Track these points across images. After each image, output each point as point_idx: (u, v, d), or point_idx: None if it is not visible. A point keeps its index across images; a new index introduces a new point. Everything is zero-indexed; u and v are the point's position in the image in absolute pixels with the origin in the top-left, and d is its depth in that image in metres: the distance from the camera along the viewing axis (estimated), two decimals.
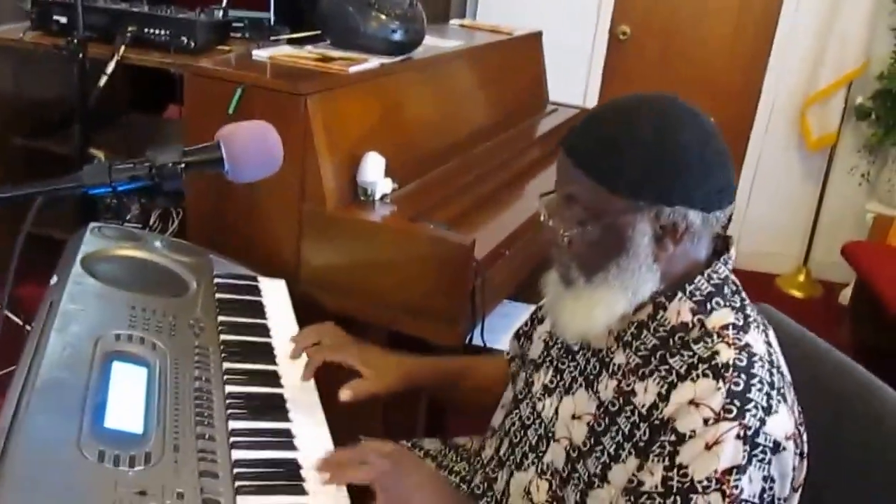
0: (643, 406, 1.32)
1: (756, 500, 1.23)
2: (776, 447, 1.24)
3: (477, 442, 1.83)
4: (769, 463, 1.23)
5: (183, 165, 1.32)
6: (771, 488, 1.24)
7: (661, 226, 1.32)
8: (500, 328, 2.56)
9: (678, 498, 1.23)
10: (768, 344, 1.34)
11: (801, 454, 1.30)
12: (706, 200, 1.31)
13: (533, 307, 1.79)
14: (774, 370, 1.30)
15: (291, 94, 2.21)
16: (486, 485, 1.61)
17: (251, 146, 1.37)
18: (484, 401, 1.79)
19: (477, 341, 2.52)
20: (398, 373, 1.70)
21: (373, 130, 2.46)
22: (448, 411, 2.71)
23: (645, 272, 1.35)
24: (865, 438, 1.50)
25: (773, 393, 1.26)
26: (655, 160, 1.28)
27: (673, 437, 1.26)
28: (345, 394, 1.61)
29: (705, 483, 1.22)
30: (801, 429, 1.31)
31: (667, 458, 1.26)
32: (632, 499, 1.28)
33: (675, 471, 1.24)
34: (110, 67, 3.02)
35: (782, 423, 1.26)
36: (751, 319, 1.36)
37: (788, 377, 1.34)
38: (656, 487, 1.26)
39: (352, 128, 2.38)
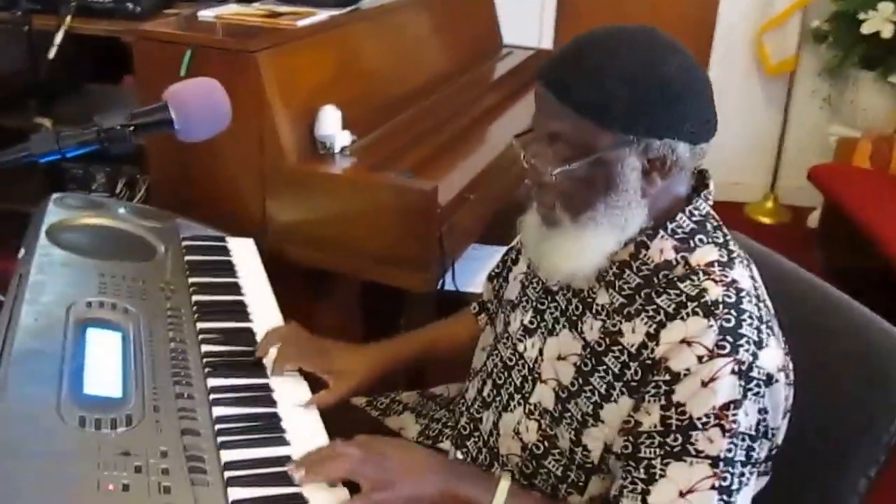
0: (632, 346, 1.32)
1: (752, 433, 1.24)
2: (769, 380, 1.25)
3: (453, 390, 1.85)
4: (763, 396, 1.24)
5: (131, 128, 1.32)
6: (764, 419, 1.26)
7: (649, 160, 1.29)
8: (472, 272, 2.59)
9: (678, 436, 1.24)
10: (752, 278, 1.35)
11: (790, 383, 1.32)
12: (694, 132, 1.29)
13: (502, 248, 1.79)
14: (761, 304, 1.31)
15: (241, 51, 2.20)
16: (472, 425, 1.59)
17: (198, 103, 1.37)
18: (461, 360, 1.77)
19: (449, 287, 2.55)
20: (364, 368, 1.67)
21: (327, 84, 2.45)
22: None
23: (634, 208, 1.32)
24: (841, 355, 1.50)
25: (763, 327, 1.27)
26: (644, 92, 1.25)
27: (667, 377, 1.26)
28: (311, 408, 1.55)
29: (704, 419, 1.22)
30: (788, 358, 1.32)
31: (663, 398, 1.26)
32: (631, 440, 1.29)
33: (673, 409, 1.24)
34: (58, 38, 2.98)
35: (773, 355, 1.27)
36: (735, 255, 1.35)
37: (772, 309, 1.35)
38: (655, 427, 1.26)
39: (305, 82, 2.38)
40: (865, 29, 4.52)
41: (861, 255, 3.89)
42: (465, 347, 1.76)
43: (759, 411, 1.25)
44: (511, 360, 1.52)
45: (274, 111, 2.21)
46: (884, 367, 1.42)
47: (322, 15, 2.55)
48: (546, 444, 1.43)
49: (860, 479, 1.41)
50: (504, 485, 1.36)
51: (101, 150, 1.29)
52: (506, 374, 1.53)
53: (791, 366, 1.33)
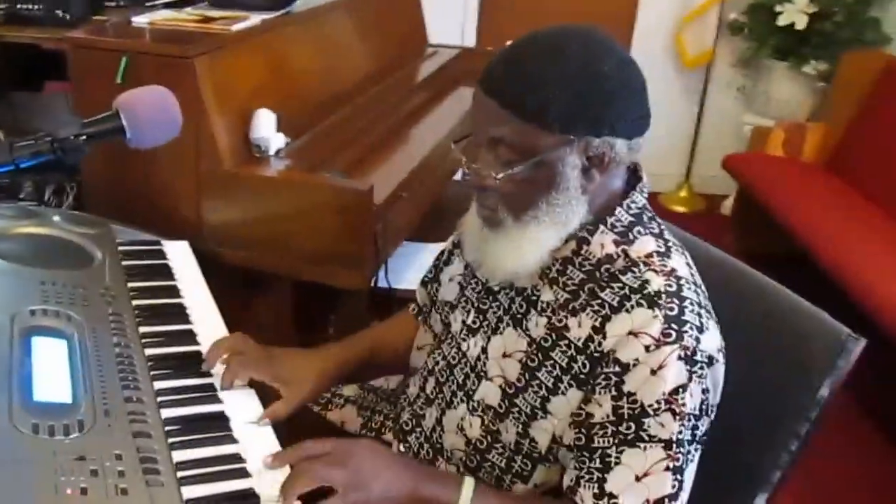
0: (578, 339, 1.35)
1: (697, 412, 1.30)
2: (710, 361, 1.31)
3: (392, 382, 1.87)
4: (705, 377, 1.31)
5: (84, 137, 1.33)
6: (707, 398, 1.32)
7: (588, 157, 1.32)
8: (403, 269, 2.64)
9: (631, 424, 1.29)
10: (688, 265, 1.40)
11: (725, 362, 1.37)
12: (630, 128, 1.33)
13: (432, 245, 1.82)
14: (698, 289, 1.37)
15: (178, 57, 2.21)
16: (414, 421, 1.61)
17: (151, 111, 1.38)
18: (403, 363, 1.79)
19: (381, 284, 2.59)
20: (315, 375, 1.62)
21: (261, 87, 2.47)
22: None
23: (574, 205, 1.35)
24: (765, 336, 1.55)
25: (702, 311, 1.33)
26: (584, 93, 1.27)
27: (617, 368, 1.30)
28: (265, 422, 1.51)
29: (655, 406, 1.28)
30: (721, 338, 1.38)
31: (613, 389, 1.30)
32: (584, 431, 1.33)
33: (625, 399, 1.29)
34: None
35: (713, 338, 1.34)
36: (671, 244, 1.40)
37: (706, 293, 1.41)
38: (607, 417, 1.30)
39: (240, 86, 2.39)
40: (781, 21, 4.67)
41: (774, 239, 4.03)
42: (407, 350, 1.78)
43: (703, 391, 1.31)
44: (455, 358, 1.55)
45: (210, 116, 2.23)
46: (808, 348, 1.48)
47: (254, 19, 2.56)
48: (489, 438, 1.46)
49: (783, 454, 1.47)
50: (469, 483, 1.38)
51: (55, 160, 1.30)
52: (448, 372, 1.56)
53: (724, 345, 1.38)
